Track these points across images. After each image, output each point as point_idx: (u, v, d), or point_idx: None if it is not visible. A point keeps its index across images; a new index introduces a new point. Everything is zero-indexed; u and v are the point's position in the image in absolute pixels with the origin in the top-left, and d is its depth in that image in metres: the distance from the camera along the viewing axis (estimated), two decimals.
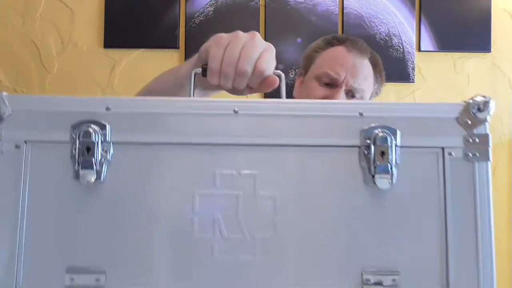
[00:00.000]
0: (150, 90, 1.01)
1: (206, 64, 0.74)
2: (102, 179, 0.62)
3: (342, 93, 1.29)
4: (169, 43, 2.14)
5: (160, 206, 0.63)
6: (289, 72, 2.08)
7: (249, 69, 0.73)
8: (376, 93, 1.41)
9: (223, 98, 0.64)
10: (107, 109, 0.63)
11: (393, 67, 2.14)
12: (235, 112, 0.64)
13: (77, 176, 0.62)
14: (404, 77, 2.15)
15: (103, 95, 2.11)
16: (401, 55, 2.15)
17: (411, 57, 2.16)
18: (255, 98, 0.66)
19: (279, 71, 0.75)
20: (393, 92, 2.16)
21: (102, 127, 0.62)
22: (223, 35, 0.75)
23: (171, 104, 0.64)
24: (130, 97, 0.65)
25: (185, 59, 2.11)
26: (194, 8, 2.14)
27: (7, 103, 0.62)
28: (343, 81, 1.30)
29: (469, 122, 0.65)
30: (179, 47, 2.14)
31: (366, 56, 1.35)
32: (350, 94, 1.31)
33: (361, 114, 0.65)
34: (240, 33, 0.75)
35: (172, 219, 0.63)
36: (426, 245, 0.65)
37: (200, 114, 0.64)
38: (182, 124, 0.64)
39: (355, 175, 0.65)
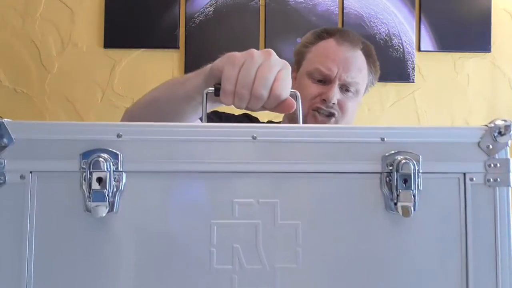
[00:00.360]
0: (151, 101, 0.94)
1: (219, 84, 0.69)
2: (115, 210, 0.58)
3: (335, 88, 1.23)
4: (169, 43, 2.11)
5: (176, 237, 0.60)
6: None
7: (265, 92, 0.69)
8: (371, 83, 1.35)
9: (241, 124, 0.60)
10: (118, 136, 0.59)
11: (393, 67, 2.12)
12: (254, 138, 0.60)
13: (88, 209, 0.57)
14: (404, 77, 2.13)
15: (103, 95, 2.08)
16: (401, 55, 2.12)
17: (411, 57, 2.13)
18: (274, 124, 0.61)
19: (294, 90, 0.71)
20: (393, 92, 2.14)
21: (114, 155, 0.58)
22: (237, 54, 0.70)
23: (186, 130, 0.60)
24: (142, 122, 0.61)
25: (185, 59, 2.09)
26: (194, 8, 2.10)
27: (9, 130, 0.58)
28: (336, 76, 1.23)
29: (491, 146, 0.62)
30: (179, 47, 2.11)
31: (358, 47, 1.28)
32: (345, 88, 1.26)
33: (382, 139, 0.61)
34: (255, 52, 0.70)
35: (189, 250, 0.60)
36: (447, 270, 0.62)
37: (217, 141, 0.60)
38: (198, 152, 0.59)
39: (376, 201, 0.61)
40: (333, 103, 1.23)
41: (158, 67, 2.10)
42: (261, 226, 0.60)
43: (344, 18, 2.13)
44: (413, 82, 2.14)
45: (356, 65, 1.26)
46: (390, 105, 2.14)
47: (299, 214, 0.61)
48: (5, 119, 0.57)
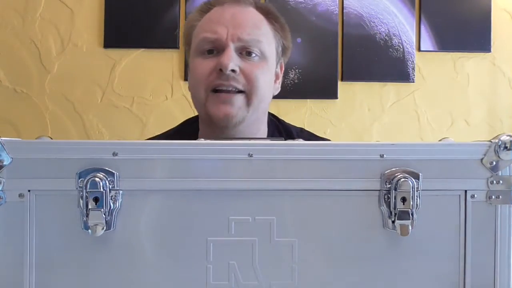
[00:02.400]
0: None
1: None
2: (112, 228, 0.58)
3: (231, 52, 0.98)
4: (169, 43, 2.10)
5: (173, 254, 0.60)
6: (289, 73, 2.05)
7: None
8: (283, 45, 1.10)
9: (237, 141, 0.60)
10: (114, 154, 0.58)
11: (393, 67, 2.12)
12: (250, 156, 0.59)
13: (85, 227, 0.58)
14: (404, 77, 2.12)
15: (103, 95, 2.08)
16: (401, 55, 2.11)
17: (411, 57, 2.12)
18: (270, 141, 0.61)
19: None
20: (393, 92, 2.14)
21: (110, 174, 0.58)
22: None
23: (182, 148, 0.59)
24: (138, 140, 0.60)
25: (185, 59, 2.07)
26: (194, 8, 2.08)
27: (6, 150, 0.57)
28: (227, 38, 0.99)
29: (494, 163, 0.61)
30: (179, 47, 2.10)
31: (248, 3, 1.06)
32: (245, 51, 1.00)
33: (382, 156, 0.60)
34: None
35: (186, 267, 0.60)
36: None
37: (213, 159, 0.59)
38: (194, 170, 0.59)
39: (374, 219, 0.61)
40: (233, 71, 0.97)
41: (158, 67, 2.09)
42: (257, 243, 0.60)
43: (344, 18, 2.11)
44: (413, 82, 2.13)
45: (250, 20, 1.03)
46: (390, 105, 2.13)
47: (295, 232, 0.61)
48: (2, 138, 0.57)
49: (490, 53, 2.15)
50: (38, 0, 2.08)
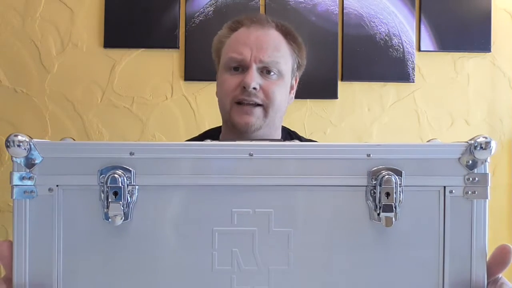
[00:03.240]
0: None
1: None
2: (129, 219, 0.69)
3: (253, 72, 1.19)
4: (169, 43, 2.19)
5: (182, 242, 0.71)
6: None
7: None
8: (298, 63, 1.30)
9: (239, 142, 0.70)
10: (131, 154, 0.69)
11: (393, 67, 2.21)
12: (251, 155, 0.70)
13: (106, 218, 0.69)
14: (404, 77, 2.21)
15: (103, 95, 2.16)
16: (401, 55, 2.21)
17: (411, 57, 2.21)
18: (268, 142, 0.72)
19: None
20: (393, 92, 2.23)
21: (127, 171, 0.69)
22: None
23: (190, 149, 0.70)
24: (152, 142, 0.71)
25: (185, 59, 2.17)
26: (194, 8, 2.18)
27: (38, 150, 0.68)
28: (251, 59, 1.20)
29: (470, 162, 0.71)
30: (179, 47, 2.18)
31: (270, 26, 1.25)
32: (265, 70, 1.21)
33: (368, 155, 0.71)
34: None
35: (194, 253, 0.71)
36: (426, 273, 0.72)
37: (218, 158, 0.70)
38: (201, 168, 0.70)
39: (361, 212, 0.72)
40: (254, 88, 1.18)
41: (158, 67, 2.18)
42: (257, 233, 0.71)
43: (344, 18, 2.20)
44: (413, 82, 2.21)
45: (272, 43, 1.22)
46: (390, 105, 2.22)
47: (291, 223, 0.71)
48: (34, 140, 0.68)
49: (490, 53, 2.23)
50: (38, 0, 2.16)
